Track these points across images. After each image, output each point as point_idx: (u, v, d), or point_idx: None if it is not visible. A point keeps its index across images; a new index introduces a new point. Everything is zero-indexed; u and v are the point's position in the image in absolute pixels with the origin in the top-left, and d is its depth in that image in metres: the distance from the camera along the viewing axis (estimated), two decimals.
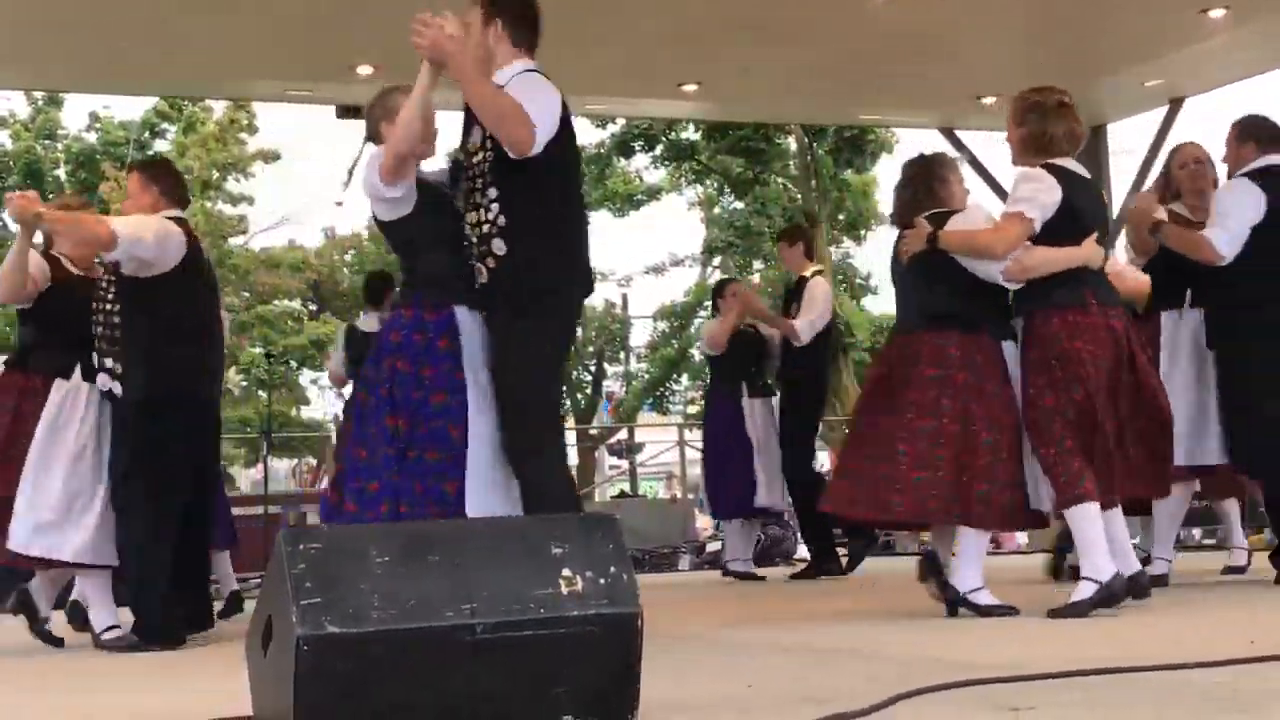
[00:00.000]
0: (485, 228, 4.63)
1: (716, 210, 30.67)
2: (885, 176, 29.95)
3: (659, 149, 29.36)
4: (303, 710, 2.53)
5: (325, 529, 2.87)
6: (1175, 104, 11.16)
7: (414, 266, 4.81)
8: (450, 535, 2.79)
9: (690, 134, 28.58)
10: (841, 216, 30.42)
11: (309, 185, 61.31)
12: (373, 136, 5.00)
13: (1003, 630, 4.75)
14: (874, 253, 32.52)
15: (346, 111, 10.50)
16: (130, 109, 30.24)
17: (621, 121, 27.36)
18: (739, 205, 29.42)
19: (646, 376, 32.10)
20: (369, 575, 2.62)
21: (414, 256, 4.81)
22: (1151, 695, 2.90)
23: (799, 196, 29.07)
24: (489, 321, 4.68)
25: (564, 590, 2.70)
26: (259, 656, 2.77)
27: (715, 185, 30.31)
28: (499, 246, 4.59)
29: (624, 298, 33.18)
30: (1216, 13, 9.15)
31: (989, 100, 10.68)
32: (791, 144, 28.67)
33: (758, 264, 30.55)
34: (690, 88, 10.64)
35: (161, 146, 29.45)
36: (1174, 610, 5.20)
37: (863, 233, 31.42)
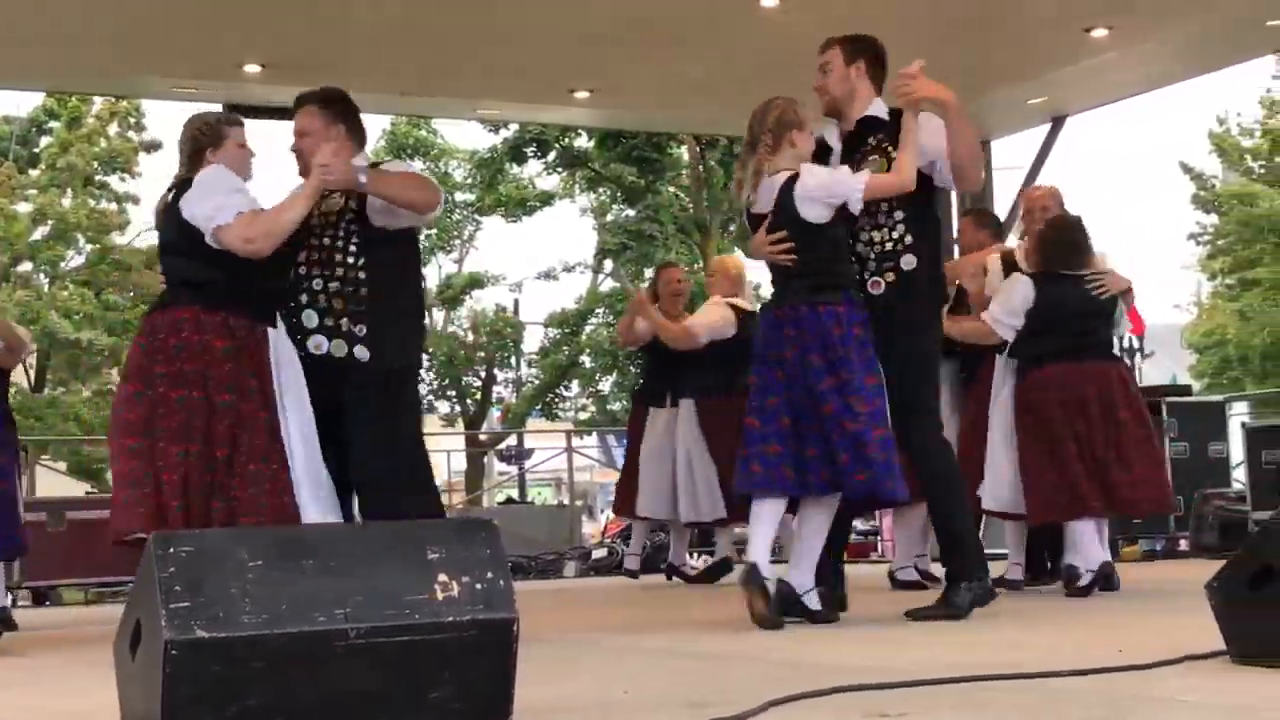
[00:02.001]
0: (890, 245, 5.37)
1: (609, 218, 30.72)
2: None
3: (552, 155, 29.37)
4: (170, 715, 2.50)
5: (196, 533, 2.84)
6: (1057, 122, 11.35)
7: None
8: (325, 539, 2.76)
9: (583, 141, 28.62)
10: (732, 226, 30.57)
11: None
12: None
13: (884, 636, 4.80)
14: (764, 263, 32.69)
15: (234, 110, 10.37)
16: (12, 104, 29.72)
17: (515, 127, 27.32)
18: (631, 213, 29.49)
19: (536, 382, 32.05)
20: (240, 579, 2.59)
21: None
22: (1023, 701, 2.95)
23: (690, 206, 29.22)
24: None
25: (440, 595, 2.69)
26: (127, 660, 2.73)
27: (608, 193, 30.36)
28: (908, 262, 5.34)
29: (515, 303, 33.10)
30: (1099, 32, 9.33)
31: None
32: (684, 154, 28.81)
33: (649, 271, 30.62)
34: (582, 94, 10.64)
35: (46, 142, 28.94)
36: (1050, 618, 5.29)
37: None
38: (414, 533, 2.81)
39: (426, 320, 5.27)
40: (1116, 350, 7.01)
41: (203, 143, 5.05)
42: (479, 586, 2.72)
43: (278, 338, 4.89)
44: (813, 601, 5.16)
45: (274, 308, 4.95)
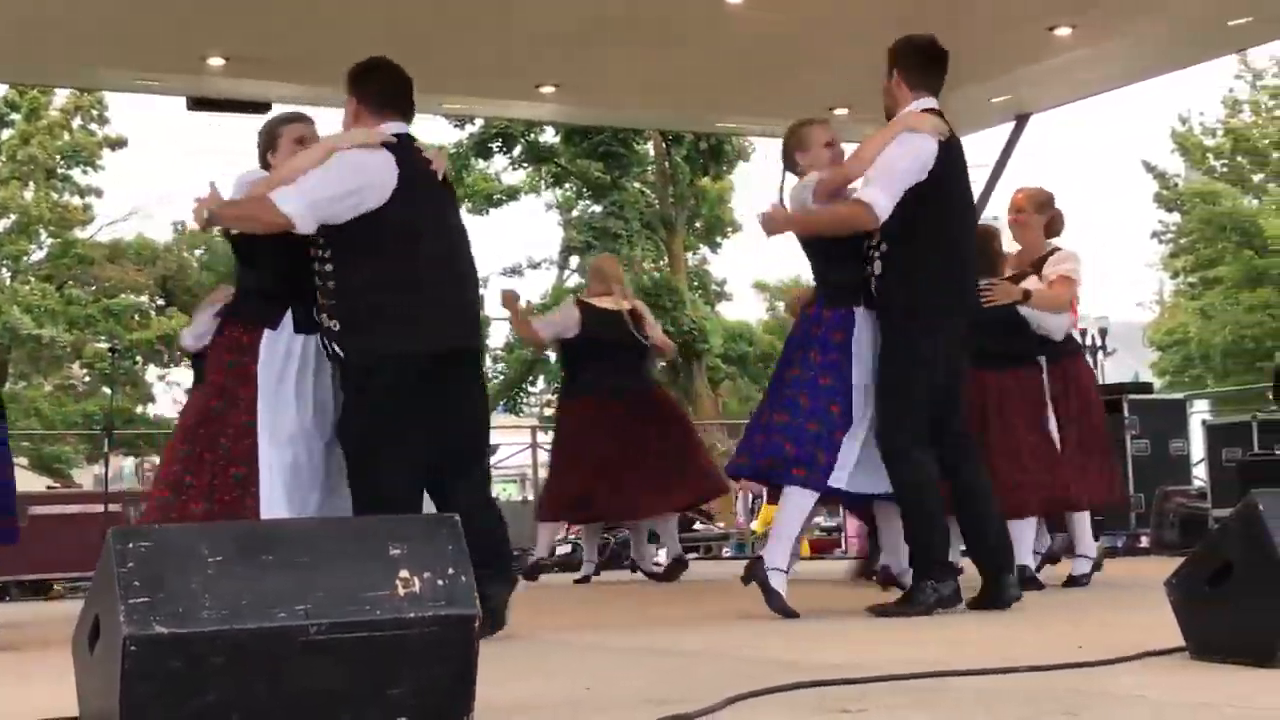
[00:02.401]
0: (872, 253, 5.52)
1: (575, 213, 30.70)
2: (741, 184, 30.18)
3: (518, 150, 29.32)
4: (129, 711, 2.48)
5: (157, 527, 2.82)
6: (1021, 120, 11.38)
7: None
8: (286, 535, 2.75)
9: (549, 137, 28.58)
10: (698, 223, 30.63)
11: (160, 178, 60.16)
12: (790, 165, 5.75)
13: (842, 632, 4.82)
14: (729, 259, 32.81)
15: (198, 104, 10.32)
16: None
17: (480, 121, 27.26)
18: (596, 209, 29.48)
19: (501, 378, 32.01)
20: (200, 574, 2.57)
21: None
22: (981, 697, 2.97)
23: (656, 202, 29.22)
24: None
25: (401, 591, 2.68)
26: (85, 656, 2.71)
27: (574, 188, 30.33)
28: (876, 268, 5.47)
29: (481, 298, 32.99)
30: (1063, 31, 9.36)
31: (841, 112, 10.80)
32: (650, 150, 28.81)
33: None
34: (548, 89, 10.62)
35: (8, 135, 28.73)
36: (1010, 615, 5.32)
37: (719, 239, 31.65)
38: (376, 529, 2.80)
39: (412, 308, 4.88)
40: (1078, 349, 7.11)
41: (263, 149, 5.15)
42: (441, 583, 2.71)
43: (274, 337, 4.95)
44: (775, 581, 5.26)
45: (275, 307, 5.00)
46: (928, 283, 5.46)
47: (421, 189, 4.94)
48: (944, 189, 5.52)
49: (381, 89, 5.09)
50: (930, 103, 5.64)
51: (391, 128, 4.98)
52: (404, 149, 4.97)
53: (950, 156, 5.56)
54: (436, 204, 5.06)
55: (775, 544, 5.39)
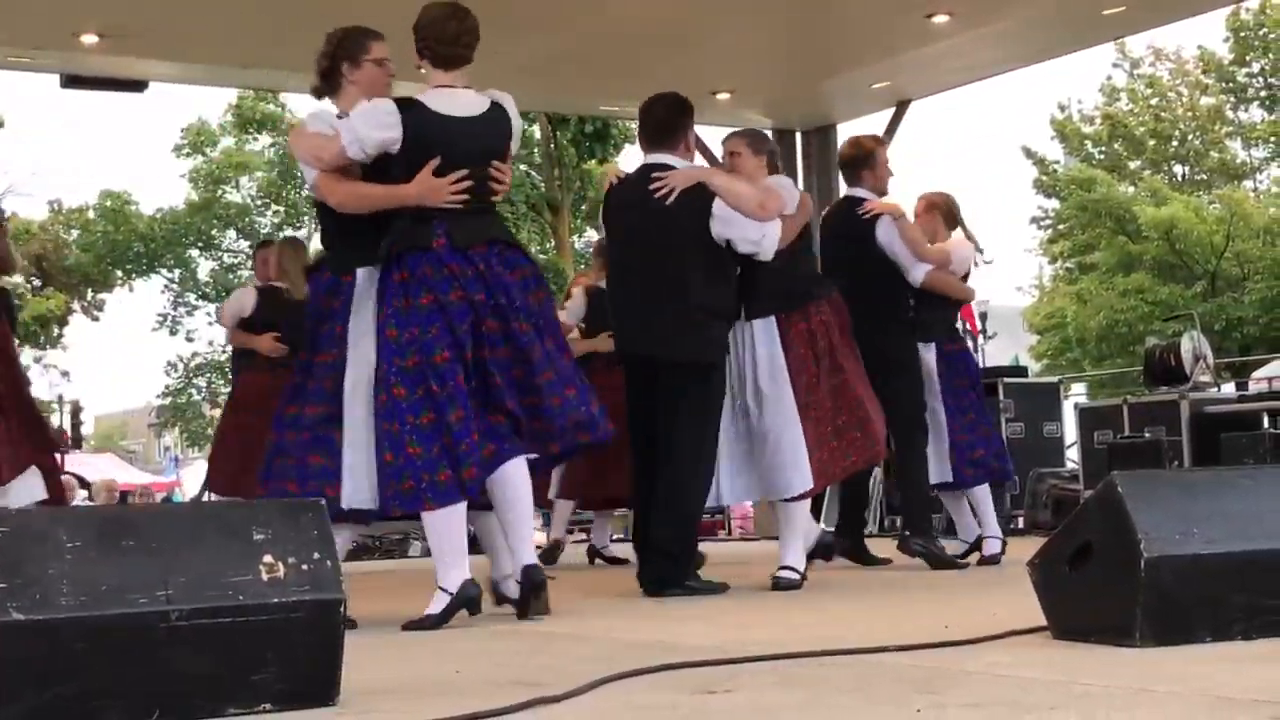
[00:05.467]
0: None
1: None
2: (628, 166, 30.13)
3: None
4: None
5: (13, 511, 2.77)
6: (902, 105, 11.51)
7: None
8: (147, 520, 2.72)
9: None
10: (584, 206, 30.59)
11: (34, 156, 59.01)
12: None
13: (718, 614, 4.85)
14: None
15: (72, 81, 10.12)
16: None
17: None
18: None
19: None
20: (59, 560, 2.54)
21: None
22: (848, 676, 3.01)
23: (542, 185, 29.15)
24: None
25: (265, 576, 2.67)
26: None
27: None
28: None
29: None
30: (940, 18, 9.48)
31: (723, 96, 10.86)
32: (536, 132, 28.71)
33: None
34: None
35: None
36: (881, 595, 5.39)
37: None
38: (239, 513, 2.78)
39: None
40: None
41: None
42: (305, 567, 2.70)
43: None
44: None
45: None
46: None
47: None
48: None
49: None
50: None
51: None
52: None
53: None
54: None
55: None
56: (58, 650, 2.50)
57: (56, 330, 34.67)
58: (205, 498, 10.20)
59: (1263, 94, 31.42)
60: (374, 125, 4.69)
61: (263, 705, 2.65)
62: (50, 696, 2.50)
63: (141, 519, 2.73)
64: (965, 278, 7.15)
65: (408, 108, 4.76)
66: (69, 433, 26.82)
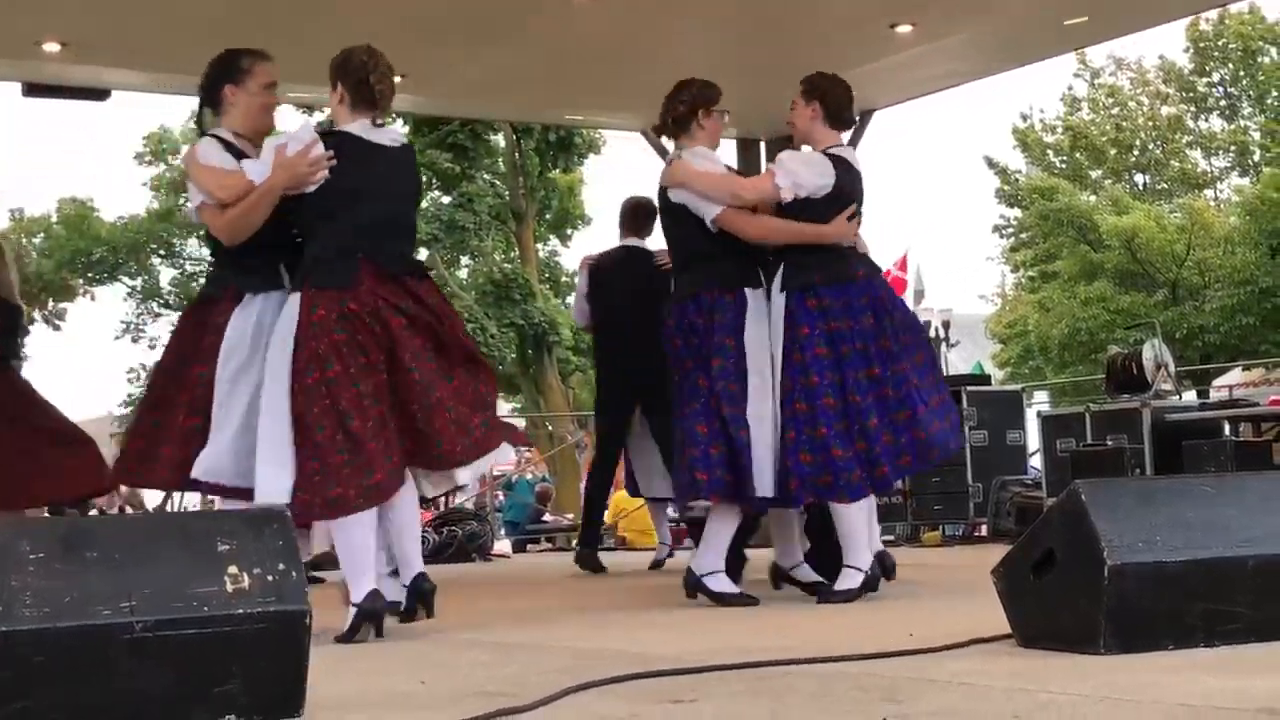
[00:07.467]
0: None
1: (424, 205, 30.47)
2: (592, 176, 30.20)
3: None
4: None
5: None
6: (865, 115, 11.53)
7: None
8: (110, 531, 2.70)
9: (399, 127, 28.30)
10: (549, 215, 30.59)
11: None
12: None
13: (683, 624, 4.85)
14: (580, 252, 32.82)
15: (33, 89, 10.05)
16: None
17: (329, 110, 26.94)
18: (446, 200, 29.31)
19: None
20: (21, 572, 2.52)
21: None
22: (813, 685, 3.02)
23: (506, 194, 29.13)
24: None
25: (229, 588, 2.65)
26: None
27: (424, 180, 30.09)
28: None
29: None
30: (903, 29, 9.50)
31: None
32: (500, 141, 28.70)
33: (465, 259, 30.48)
34: (396, 79, 10.49)
35: None
36: (847, 605, 5.40)
37: (569, 231, 31.65)
38: (204, 524, 2.77)
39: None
40: None
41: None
42: (270, 579, 2.69)
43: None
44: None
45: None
46: None
47: None
48: None
49: None
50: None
51: None
52: None
53: None
54: None
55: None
56: (17, 664, 2.48)
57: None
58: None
59: (1222, 104, 31.68)
60: None
61: (227, 718, 2.64)
62: (10, 712, 2.48)
63: (104, 530, 2.72)
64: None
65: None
66: None
